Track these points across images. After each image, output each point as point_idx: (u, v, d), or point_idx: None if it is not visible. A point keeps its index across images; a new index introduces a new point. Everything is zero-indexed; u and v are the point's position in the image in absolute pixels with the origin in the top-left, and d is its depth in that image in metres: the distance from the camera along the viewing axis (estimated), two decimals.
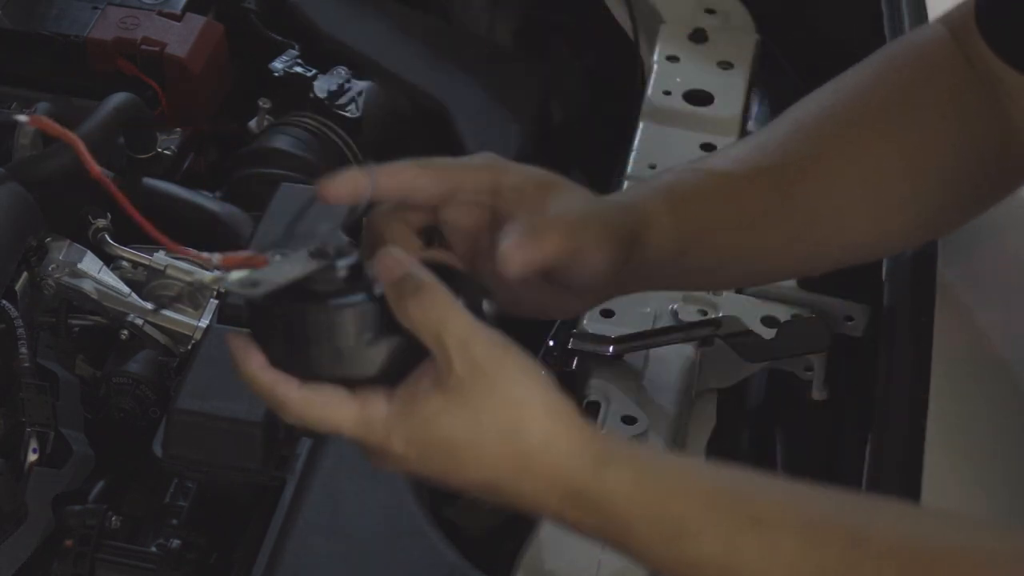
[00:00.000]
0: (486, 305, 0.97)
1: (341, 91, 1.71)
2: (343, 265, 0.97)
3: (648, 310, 1.34)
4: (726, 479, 0.96)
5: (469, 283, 0.98)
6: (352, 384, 0.96)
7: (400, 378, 0.96)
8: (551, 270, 1.07)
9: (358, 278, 0.98)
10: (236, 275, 0.96)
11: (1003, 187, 1.22)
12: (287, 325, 0.97)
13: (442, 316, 0.93)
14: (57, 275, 1.45)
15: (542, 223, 1.07)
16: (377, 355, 0.96)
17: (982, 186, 1.21)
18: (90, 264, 1.46)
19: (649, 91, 1.60)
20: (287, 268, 0.96)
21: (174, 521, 1.30)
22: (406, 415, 0.94)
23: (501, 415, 0.93)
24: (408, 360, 0.96)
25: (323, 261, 0.97)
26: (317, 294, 0.96)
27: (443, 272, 0.97)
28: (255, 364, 0.97)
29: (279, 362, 0.97)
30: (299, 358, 0.97)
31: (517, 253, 1.04)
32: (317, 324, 0.96)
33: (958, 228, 1.26)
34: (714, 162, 1.18)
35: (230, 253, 0.99)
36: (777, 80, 1.65)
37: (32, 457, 1.31)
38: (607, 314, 1.34)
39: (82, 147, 0.99)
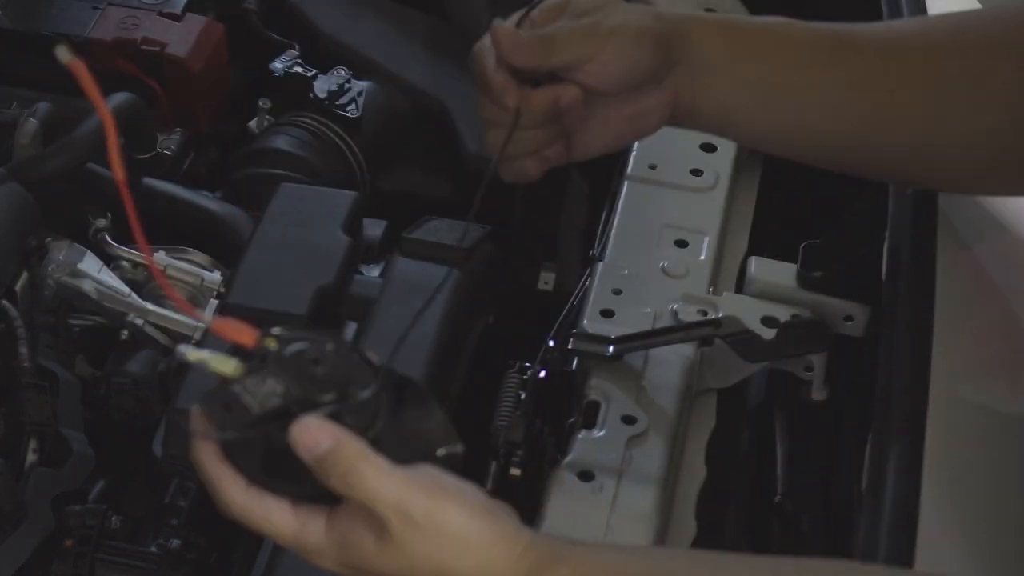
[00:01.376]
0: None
1: (341, 91, 1.71)
2: (327, 401, 0.97)
3: (648, 310, 1.34)
4: (660, 568, 0.99)
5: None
6: (296, 496, 0.98)
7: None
8: (580, 79, 1.17)
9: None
10: (220, 360, 0.97)
11: None
12: (244, 439, 0.97)
13: (370, 488, 0.95)
14: (57, 275, 1.45)
15: (551, 35, 1.17)
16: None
17: None
18: (90, 264, 1.46)
19: None
20: (265, 390, 0.96)
21: (174, 521, 1.30)
22: (342, 550, 0.98)
23: (436, 559, 0.96)
24: None
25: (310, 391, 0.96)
26: (285, 412, 0.96)
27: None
28: (205, 452, 0.98)
29: (229, 452, 0.98)
30: (249, 462, 0.97)
31: (506, 36, 1.16)
32: (271, 447, 0.97)
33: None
34: (781, 20, 1.23)
35: (226, 320, 0.98)
36: None
37: (32, 457, 1.31)
38: (607, 314, 1.34)
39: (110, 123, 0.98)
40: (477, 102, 1.21)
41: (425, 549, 0.96)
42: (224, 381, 0.96)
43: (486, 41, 1.19)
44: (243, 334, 0.97)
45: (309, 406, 0.96)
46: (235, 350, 0.98)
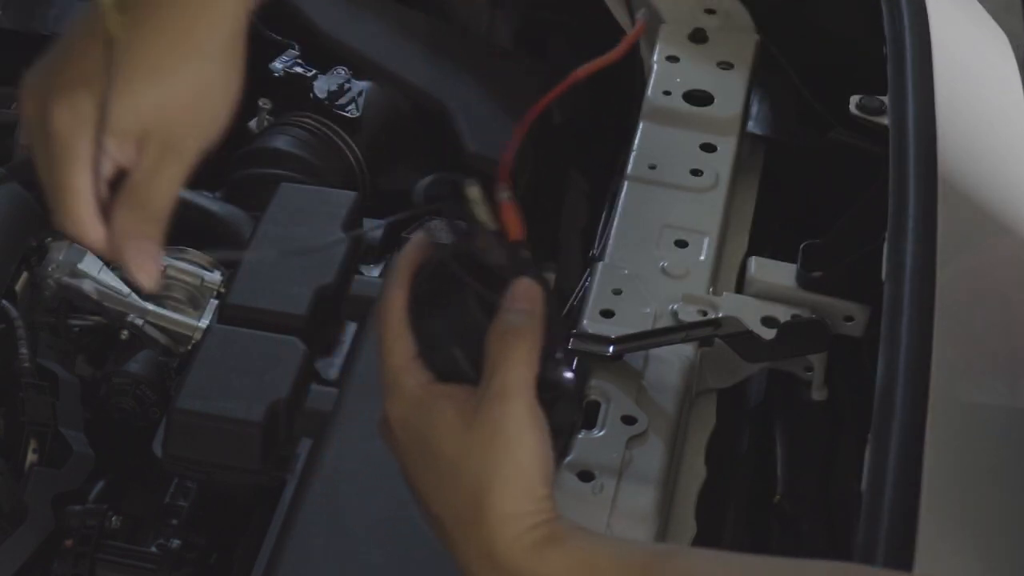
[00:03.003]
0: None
1: (341, 91, 1.71)
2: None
3: (648, 310, 1.34)
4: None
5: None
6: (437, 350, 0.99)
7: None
8: None
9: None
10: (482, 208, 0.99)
11: None
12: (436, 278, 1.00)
13: (510, 359, 0.96)
14: (57, 275, 1.45)
15: None
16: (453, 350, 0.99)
17: None
18: (90, 264, 1.46)
19: (649, 91, 1.60)
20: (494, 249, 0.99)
21: (174, 521, 1.30)
22: (418, 407, 0.97)
23: (480, 474, 0.96)
24: None
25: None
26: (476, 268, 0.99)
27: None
28: (403, 261, 1.00)
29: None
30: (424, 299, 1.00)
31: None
32: (459, 300, 0.99)
33: None
34: None
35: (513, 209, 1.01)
36: (777, 80, 1.65)
37: (32, 457, 1.31)
38: (607, 314, 1.34)
39: None
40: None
41: (485, 453, 0.95)
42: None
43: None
44: (515, 227, 1.00)
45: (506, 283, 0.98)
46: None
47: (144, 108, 0.98)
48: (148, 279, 1.01)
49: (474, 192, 0.99)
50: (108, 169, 0.99)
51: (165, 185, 1.02)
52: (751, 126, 1.58)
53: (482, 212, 0.99)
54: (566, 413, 1.01)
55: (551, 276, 1.65)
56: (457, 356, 0.99)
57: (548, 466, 0.97)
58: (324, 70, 1.73)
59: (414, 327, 0.99)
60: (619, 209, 1.46)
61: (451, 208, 1.00)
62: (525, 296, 0.98)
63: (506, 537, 0.96)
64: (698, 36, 1.66)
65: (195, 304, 1.48)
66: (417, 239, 1.00)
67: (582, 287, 1.39)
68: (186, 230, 1.55)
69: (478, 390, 0.97)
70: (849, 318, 1.35)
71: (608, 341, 1.29)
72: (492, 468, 0.96)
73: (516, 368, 0.96)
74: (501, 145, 1.27)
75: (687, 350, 1.32)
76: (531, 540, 0.96)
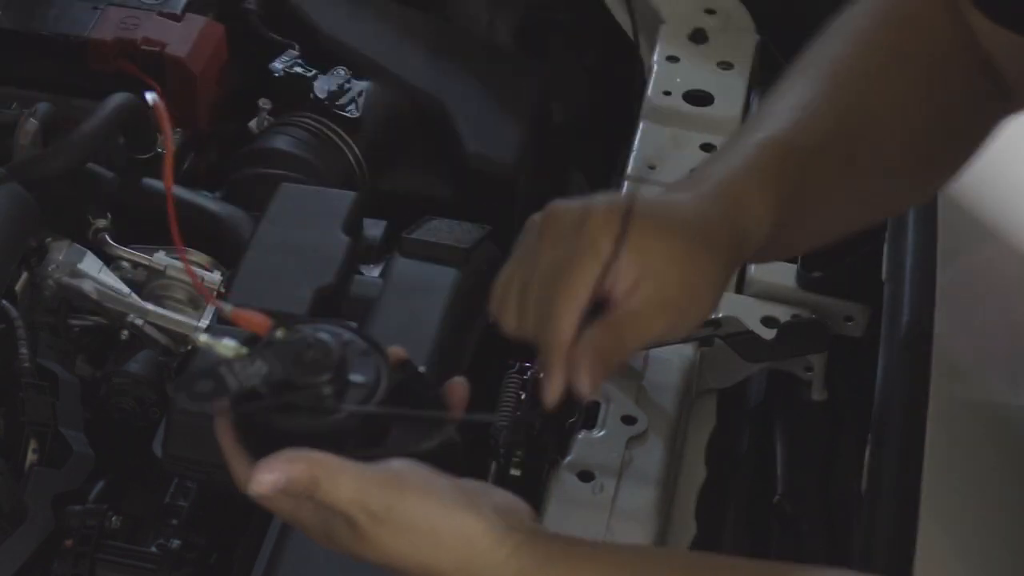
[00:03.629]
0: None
1: (341, 91, 1.71)
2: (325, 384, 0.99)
3: None
4: (659, 568, 0.99)
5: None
6: None
7: None
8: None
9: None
10: (227, 344, 1.00)
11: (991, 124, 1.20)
12: (241, 422, 1.01)
13: (327, 493, 0.96)
14: (57, 275, 1.45)
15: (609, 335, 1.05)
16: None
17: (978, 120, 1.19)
18: (90, 264, 1.46)
19: (649, 91, 1.60)
20: (250, 371, 0.99)
21: (174, 521, 1.30)
22: (327, 536, 0.99)
23: (410, 554, 0.97)
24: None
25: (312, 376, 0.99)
26: (288, 404, 0.99)
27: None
28: (220, 427, 1.02)
29: (238, 429, 1.02)
30: (247, 440, 1.01)
31: (587, 382, 1.03)
32: (258, 427, 1.00)
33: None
34: (785, 131, 1.13)
35: (242, 310, 1.02)
36: (777, 80, 1.64)
37: (32, 457, 1.31)
38: None
39: None
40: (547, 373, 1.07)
41: (396, 544, 0.96)
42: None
43: (561, 334, 1.04)
44: (256, 323, 1.01)
45: (287, 387, 0.98)
46: (250, 338, 1.01)
47: (653, 250, 1.03)
48: (587, 390, 1.02)
49: (201, 340, 1.01)
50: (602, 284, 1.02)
51: (643, 331, 1.04)
52: None
53: (221, 346, 1.00)
54: (438, 432, 1.01)
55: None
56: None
57: (449, 497, 0.97)
58: (324, 70, 1.73)
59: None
60: None
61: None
62: (257, 485, 0.97)
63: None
64: (698, 36, 1.66)
65: (195, 304, 1.48)
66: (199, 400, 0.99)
67: None
68: (186, 230, 1.55)
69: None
70: (849, 318, 1.35)
71: None
72: (410, 549, 0.97)
73: (339, 498, 0.96)
74: (501, 144, 1.29)
75: (687, 350, 1.32)
76: (514, 571, 0.96)
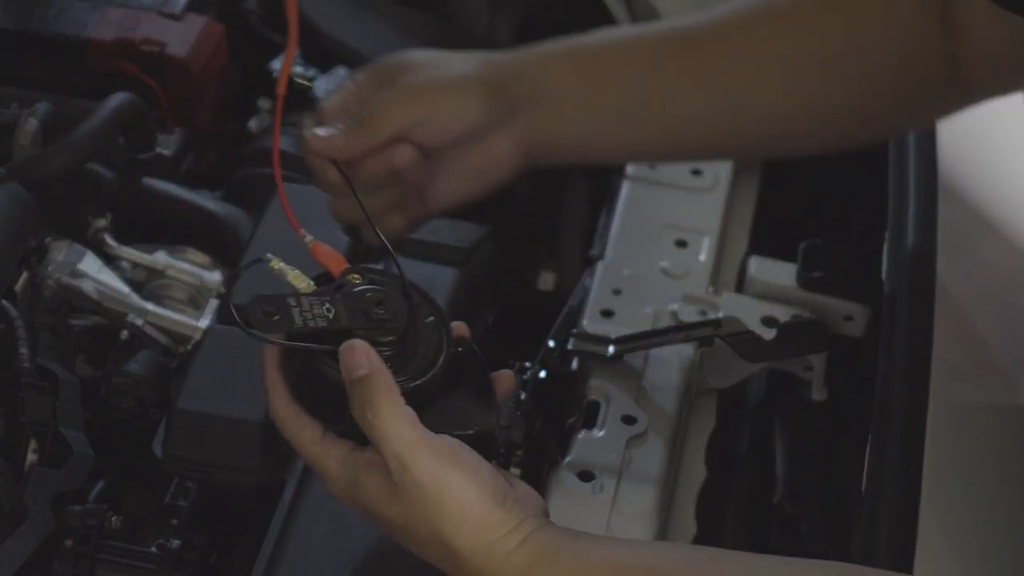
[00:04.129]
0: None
1: None
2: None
3: (648, 310, 1.34)
4: (664, 561, 1.00)
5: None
6: (331, 427, 1.02)
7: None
8: (413, 140, 1.16)
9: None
10: (299, 275, 1.03)
11: (938, 107, 1.22)
12: (291, 356, 1.02)
13: (383, 429, 0.98)
14: (57, 275, 1.45)
15: (371, 111, 1.17)
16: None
17: (912, 96, 1.20)
18: (90, 264, 1.46)
19: None
20: (317, 312, 1.00)
21: (174, 521, 1.30)
22: (350, 486, 1.01)
23: (434, 528, 0.98)
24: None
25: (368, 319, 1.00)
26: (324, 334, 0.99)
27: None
28: (268, 355, 1.04)
29: (285, 362, 1.03)
30: (296, 378, 1.02)
31: (317, 141, 1.18)
32: (312, 370, 1.01)
33: (883, 138, 1.25)
34: (617, 30, 1.20)
35: (322, 245, 1.06)
36: None
37: (32, 457, 1.31)
38: (607, 314, 1.34)
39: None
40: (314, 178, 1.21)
41: (424, 511, 0.97)
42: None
43: (309, 130, 1.20)
44: (332, 261, 1.03)
45: (349, 336, 0.99)
46: (321, 276, 1.03)
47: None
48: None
49: (275, 264, 1.02)
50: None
51: (384, 105, 1.17)
52: None
53: (294, 275, 1.00)
54: (479, 416, 1.02)
55: (551, 276, 1.65)
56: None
57: (489, 487, 0.98)
58: (324, 70, 1.73)
59: (311, 410, 1.01)
60: (619, 209, 1.46)
61: (262, 300, 1.00)
62: (353, 363, 0.98)
63: (492, 567, 0.97)
64: None
65: (195, 304, 1.48)
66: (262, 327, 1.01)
67: (582, 287, 1.39)
68: (186, 230, 1.55)
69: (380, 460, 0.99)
70: (849, 318, 1.35)
71: (608, 341, 1.29)
72: (436, 521, 0.98)
73: (392, 439, 0.97)
74: None
75: (687, 350, 1.32)
76: (520, 562, 0.97)
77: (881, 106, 1.21)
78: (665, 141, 1.24)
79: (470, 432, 1.01)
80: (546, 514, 1.03)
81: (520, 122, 1.19)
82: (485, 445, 1.02)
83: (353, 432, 1.00)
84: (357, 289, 1.01)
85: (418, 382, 1.00)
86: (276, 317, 0.99)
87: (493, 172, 1.22)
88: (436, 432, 0.99)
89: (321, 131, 1.17)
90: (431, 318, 1.03)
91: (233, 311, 0.99)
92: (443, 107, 1.17)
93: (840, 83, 1.18)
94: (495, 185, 1.27)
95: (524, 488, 1.03)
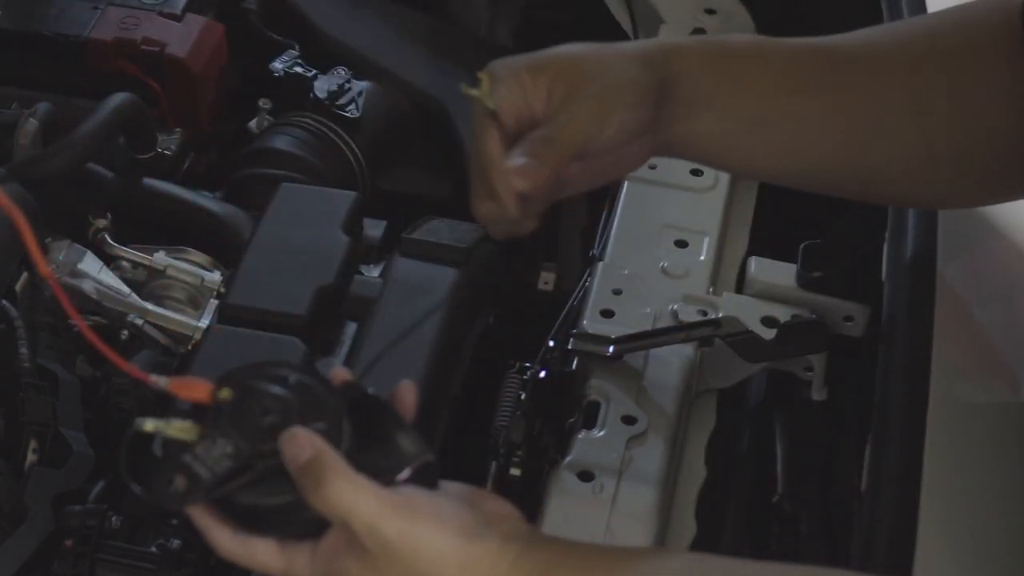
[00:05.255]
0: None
1: (341, 91, 1.71)
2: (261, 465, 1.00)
3: (648, 310, 1.34)
4: (657, 571, 1.01)
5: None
6: (282, 536, 1.01)
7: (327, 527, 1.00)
8: (581, 155, 1.14)
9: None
10: (178, 425, 1.00)
11: None
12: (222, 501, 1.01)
13: (346, 505, 0.97)
14: (57, 275, 1.45)
15: (541, 141, 1.12)
16: (302, 518, 1.00)
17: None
18: (90, 264, 1.46)
19: None
20: (215, 454, 0.99)
21: (174, 521, 1.30)
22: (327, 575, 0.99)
23: None
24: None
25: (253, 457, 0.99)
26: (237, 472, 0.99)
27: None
28: (194, 508, 1.02)
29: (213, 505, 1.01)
30: (230, 513, 1.01)
31: (520, 180, 1.10)
32: (240, 500, 1.00)
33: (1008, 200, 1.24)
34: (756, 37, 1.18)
35: (181, 380, 1.02)
36: None
37: (32, 457, 1.31)
38: (607, 314, 1.34)
39: None
40: (475, 200, 1.17)
41: (405, 570, 0.97)
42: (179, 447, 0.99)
43: (489, 148, 1.14)
44: (197, 391, 1.01)
45: (258, 461, 0.98)
46: (196, 409, 1.01)
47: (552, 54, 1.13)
48: (522, 183, 1.09)
49: (149, 425, 1.01)
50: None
51: (566, 125, 1.12)
52: None
53: (177, 429, 1.00)
54: (414, 453, 1.01)
55: (551, 276, 1.65)
56: (308, 518, 0.99)
57: (455, 525, 0.98)
58: (324, 70, 1.73)
59: (257, 532, 1.01)
60: (619, 209, 1.46)
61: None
62: (294, 451, 0.98)
63: None
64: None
65: (195, 304, 1.48)
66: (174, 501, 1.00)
67: (582, 287, 1.39)
68: (186, 230, 1.55)
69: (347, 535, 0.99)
70: (849, 318, 1.35)
71: (608, 341, 1.29)
72: (417, 573, 0.97)
73: (354, 505, 0.97)
74: None
75: (687, 350, 1.32)
76: None
77: (1012, 176, 1.19)
78: (790, 160, 1.21)
79: (410, 470, 1.00)
80: (524, 521, 1.02)
81: (659, 117, 1.16)
82: (429, 474, 1.01)
83: (306, 530, 1.00)
84: (236, 409, 1.00)
85: (347, 447, 1.00)
86: (183, 481, 0.98)
87: (625, 167, 1.21)
88: (381, 483, 0.99)
89: (518, 161, 1.11)
90: (313, 389, 1.02)
91: (149, 500, 0.99)
92: (621, 120, 1.13)
93: (969, 145, 1.16)
94: (622, 176, 1.27)
95: (494, 501, 1.02)
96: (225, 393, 1.00)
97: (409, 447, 1.01)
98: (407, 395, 1.05)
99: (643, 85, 1.14)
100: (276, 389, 1.01)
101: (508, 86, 1.11)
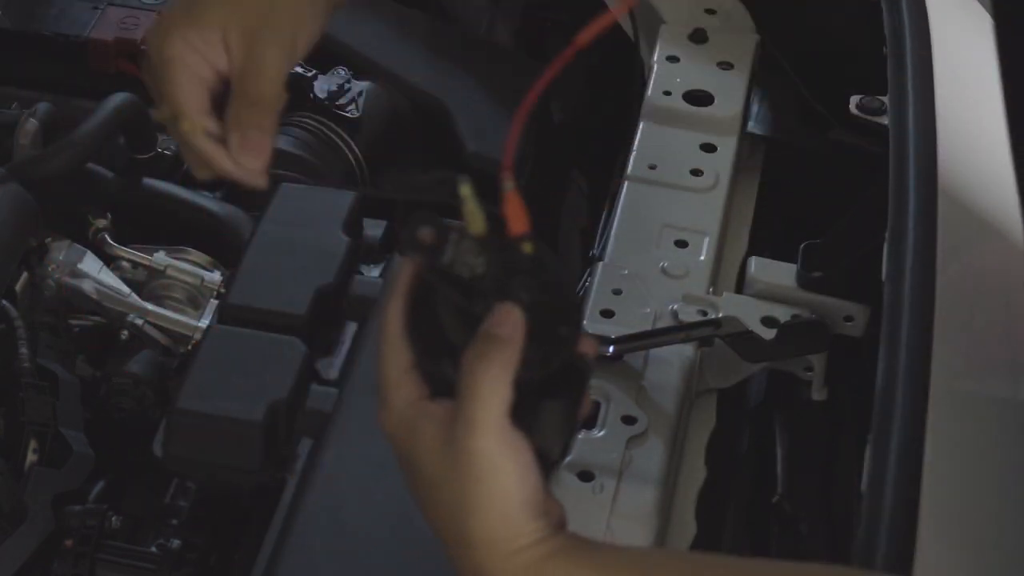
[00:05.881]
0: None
1: (341, 91, 1.71)
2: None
3: (648, 310, 1.34)
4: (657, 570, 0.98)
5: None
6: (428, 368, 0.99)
7: None
8: None
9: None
10: (479, 214, 0.97)
11: None
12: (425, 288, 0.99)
13: (481, 387, 0.95)
14: (57, 275, 1.45)
15: (246, 106, 1.11)
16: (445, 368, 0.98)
17: None
18: (90, 264, 1.46)
19: (649, 91, 1.60)
20: (470, 260, 0.96)
21: (174, 521, 1.30)
22: (407, 424, 0.98)
23: (458, 498, 0.96)
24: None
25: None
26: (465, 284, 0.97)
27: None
28: (404, 277, 1.00)
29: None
30: (419, 309, 0.99)
31: (251, 159, 1.10)
32: (439, 309, 0.97)
33: None
34: None
35: (516, 201, 0.98)
36: (777, 80, 1.65)
37: (32, 457, 1.31)
38: (607, 314, 1.34)
39: None
40: (195, 170, 1.15)
41: (462, 480, 0.95)
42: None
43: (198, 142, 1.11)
44: (517, 218, 0.97)
45: (491, 294, 0.96)
46: (497, 225, 0.97)
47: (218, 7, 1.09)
48: (255, 170, 1.04)
49: (466, 189, 0.96)
50: (211, 77, 1.09)
51: (264, 70, 1.09)
52: (751, 126, 1.58)
53: (474, 212, 0.97)
54: (553, 435, 0.99)
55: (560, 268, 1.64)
56: (447, 372, 0.97)
57: (527, 491, 0.96)
58: (324, 70, 1.73)
59: (412, 339, 0.99)
60: (619, 209, 1.46)
61: (438, 211, 0.98)
62: (502, 321, 0.96)
63: (493, 561, 0.96)
64: (698, 36, 1.66)
65: (195, 304, 1.48)
66: (411, 247, 0.98)
67: (582, 287, 1.39)
68: (186, 230, 1.55)
69: (454, 414, 0.97)
70: (849, 318, 1.35)
71: (608, 341, 1.29)
72: (466, 497, 0.96)
73: (483, 399, 0.95)
74: (501, 145, 1.27)
75: (687, 350, 1.32)
76: (522, 563, 0.96)
77: None
78: None
79: (537, 446, 1.00)
80: (564, 523, 1.02)
81: None
82: (542, 463, 1.00)
83: (440, 386, 0.98)
84: (517, 261, 0.97)
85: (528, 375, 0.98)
86: (431, 236, 0.95)
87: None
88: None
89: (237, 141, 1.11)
90: (565, 326, 1.00)
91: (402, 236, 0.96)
92: (309, 41, 1.16)
93: None
94: None
95: (555, 504, 1.02)
96: (528, 246, 0.97)
97: (562, 436, 1.00)
98: (589, 406, 1.04)
99: None
100: (555, 291, 0.98)
101: (184, 61, 1.09)
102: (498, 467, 0.96)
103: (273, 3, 1.11)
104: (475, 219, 0.96)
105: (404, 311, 0.99)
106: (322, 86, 1.71)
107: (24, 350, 1.34)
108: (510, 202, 0.96)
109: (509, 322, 0.96)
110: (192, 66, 1.10)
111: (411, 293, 0.99)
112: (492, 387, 0.96)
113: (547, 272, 0.98)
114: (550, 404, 0.99)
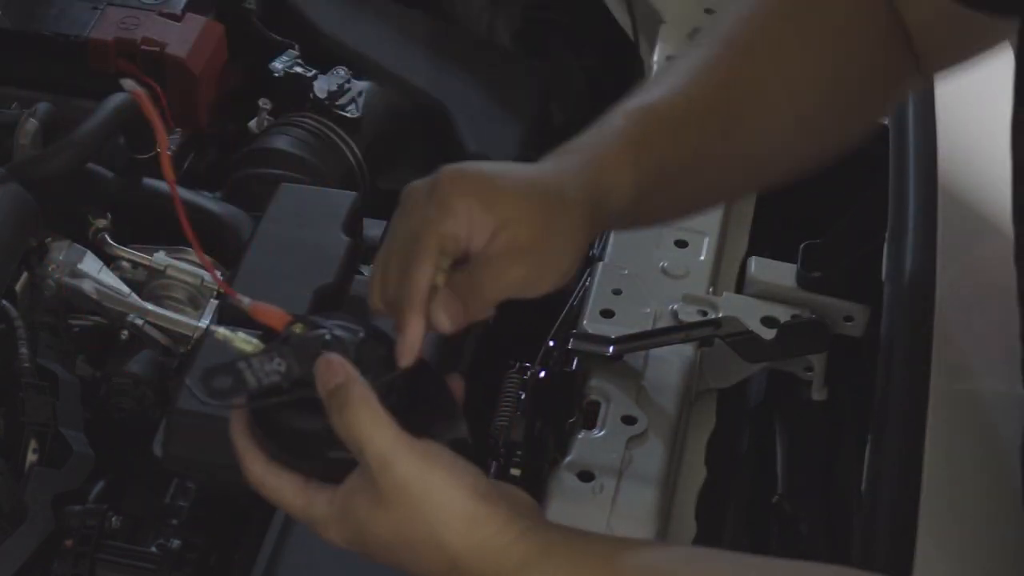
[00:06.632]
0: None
1: (341, 91, 1.71)
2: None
3: (648, 310, 1.34)
4: (659, 560, 1.00)
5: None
6: (309, 474, 1.02)
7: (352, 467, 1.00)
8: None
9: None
10: (245, 339, 1.02)
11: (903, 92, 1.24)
12: (257, 417, 1.02)
13: (364, 434, 0.97)
14: (57, 275, 1.45)
15: (470, 287, 1.05)
16: (333, 458, 1.00)
17: (885, 88, 1.20)
18: (90, 264, 1.46)
19: None
20: (268, 368, 1.00)
21: (174, 521, 1.30)
22: (342, 518, 1.00)
23: (423, 529, 0.98)
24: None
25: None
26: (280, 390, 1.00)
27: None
28: (236, 423, 1.03)
29: (254, 425, 1.03)
30: (266, 437, 1.02)
31: (443, 319, 1.04)
32: (278, 422, 1.01)
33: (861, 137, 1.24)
34: (659, 99, 1.13)
35: (260, 304, 1.03)
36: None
37: (32, 457, 1.31)
38: (607, 314, 1.34)
39: None
40: (373, 296, 1.08)
41: (411, 512, 0.97)
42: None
43: (417, 279, 1.03)
44: (273, 318, 1.02)
45: (304, 387, 0.99)
46: (265, 334, 1.02)
47: (507, 204, 1.03)
48: (446, 326, 1.03)
49: (220, 334, 1.02)
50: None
51: (498, 277, 1.04)
52: None
53: (241, 341, 1.01)
54: (445, 422, 1.02)
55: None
56: (330, 456, 1.00)
57: (470, 482, 0.98)
58: (324, 70, 1.73)
59: (285, 461, 1.02)
60: None
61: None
62: (328, 373, 0.99)
63: (486, 565, 0.97)
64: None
65: (195, 304, 1.48)
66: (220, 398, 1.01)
67: (582, 287, 1.39)
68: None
69: (363, 473, 0.99)
70: (849, 318, 1.35)
71: (608, 341, 1.29)
72: (423, 521, 0.97)
73: (374, 437, 0.97)
74: (501, 145, 1.29)
75: (687, 350, 1.32)
76: (515, 559, 0.97)
77: (863, 104, 1.20)
78: (700, 203, 1.22)
79: (444, 441, 1.01)
80: (537, 510, 1.03)
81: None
82: (462, 452, 1.02)
83: (334, 472, 1.01)
84: (301, 341, 1.01)
85: (384, 379, 1.01)
86: (229, 382, 0.99)
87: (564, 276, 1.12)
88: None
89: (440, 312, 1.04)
90: (380, 348, 1.03)
91: (191, 388, 1.00)
92: (554, 282, 1.07)
93: (837, 100, 1.17)
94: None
95: (508, 488, 1.02)
96: (298, 327, 1.02)
97: (450, 421, 1.02)
98: (458, 387, 1.06)
99: (580, 244, 1.07)
100: (345, 335, 1.02)
101: (456, 218, 1.02)
102: (431, 479, 0.97)
103: (549, 227, 1.04)
104: (245, 344, 1.01)
105: (260, 451, 1.02)
106: (322, 86, 1.71)
107: (24, 350, 1.34)
108: (258, 314, 1.02)
109: (332, 370, 0.99)
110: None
111: (254, 437, 1.02)
112: (372, 422, 0.97)
113: (330, 331, 1.02)
114: (422, 399, 1.02)
